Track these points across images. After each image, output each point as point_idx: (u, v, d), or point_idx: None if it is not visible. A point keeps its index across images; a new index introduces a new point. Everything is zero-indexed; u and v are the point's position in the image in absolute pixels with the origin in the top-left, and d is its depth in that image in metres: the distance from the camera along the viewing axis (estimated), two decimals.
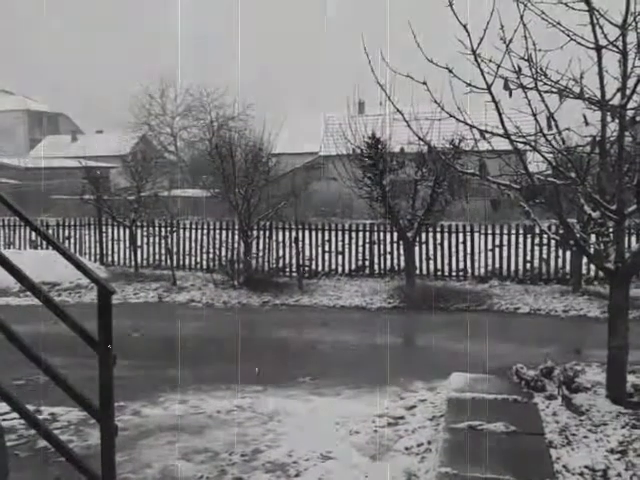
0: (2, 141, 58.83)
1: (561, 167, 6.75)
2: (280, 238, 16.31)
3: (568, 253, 14.22)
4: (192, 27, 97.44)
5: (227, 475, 5.36)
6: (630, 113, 6.44)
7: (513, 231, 15.21)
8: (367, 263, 16.07)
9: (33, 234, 17.74)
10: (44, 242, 15.25)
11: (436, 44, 7.18)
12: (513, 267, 15.09)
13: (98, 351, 3.89)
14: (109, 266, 17.58)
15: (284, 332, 11.09)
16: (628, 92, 6.31)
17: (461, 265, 15.45)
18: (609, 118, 6.54)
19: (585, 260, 13.53)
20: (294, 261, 15.56)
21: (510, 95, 6.37)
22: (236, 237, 16.20)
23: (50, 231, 18.20)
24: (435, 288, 13.97)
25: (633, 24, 6.10)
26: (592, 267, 13.97)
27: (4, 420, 5.89)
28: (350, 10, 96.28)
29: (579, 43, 6.34)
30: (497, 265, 15.20)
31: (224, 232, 16.82)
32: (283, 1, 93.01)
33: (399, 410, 6.89)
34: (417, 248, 14.90)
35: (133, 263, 16.98)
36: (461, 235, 15.48)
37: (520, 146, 6.78)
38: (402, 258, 15.11)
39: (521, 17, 6.15)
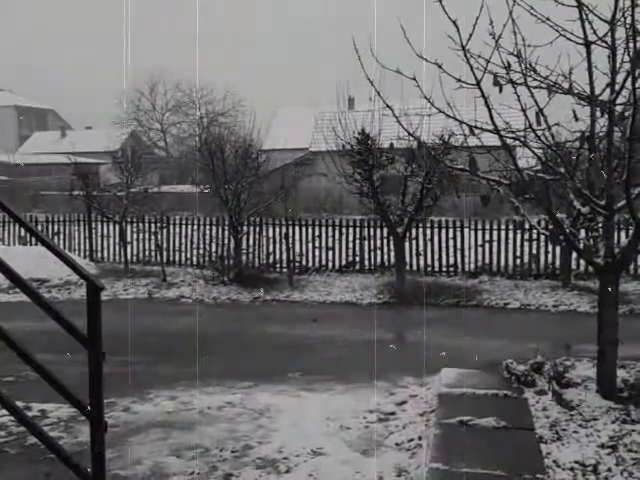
0: None
1: (550, 162, 6.77)
2: (270, 234, 16.31)
3: (558, 248, 14.28)
4: (184, 24, 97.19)
5: (218, 471, 5.35)
6: (619, 108, 6.45)
7: (503, 226, 15.25)
8: (357, 259, 16.08)
9: (22, 230, 17.66)
10: (33, 238, 15.20)
11: (426, 39, 7.18)
12: (503, 262, 15.12)
13: (87, 347, 3.87)
14: (99, 262, 17.54)
15: (274, 328, 11.08)
16: (617, 87, 6.32)
17: (451, 261, 15.48)
18: (598, 113, 6.56)
19: (575, 255, 13.58)
20: (284, 257, 15.55)
21: (500, 91, 6.37)
22: (226, 233, 16.20)
23: (39, 227, 18.12)
24: (425, 284, 13.97)
25: (622, 20, 6.10)
26: (582, 262, 14.03)
27: None
28: (341, 6, 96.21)
29: (568, 39, 6.35)
30: (487, 260, 15.24)
31: (214, 228, 16.80)
32: None
33: (390, 406, 6.90)
34: (407, 244, 14.91)
35: (123, 259, 16.92)
36: (451, 231, 15.52)
37: (510, 141, 6.79)
38: (392, 254, 15.11)
39: (510, 12, 6.15)
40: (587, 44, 6.39)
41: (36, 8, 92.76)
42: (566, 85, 6.42)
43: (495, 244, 15.21)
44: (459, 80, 6.34)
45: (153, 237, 16.92)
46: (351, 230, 16.19)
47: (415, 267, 15.44)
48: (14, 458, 5.61)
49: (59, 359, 6.57)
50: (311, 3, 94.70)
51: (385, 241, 15.72)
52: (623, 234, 12.77)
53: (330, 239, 16.21)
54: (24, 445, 5.80)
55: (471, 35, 6.12)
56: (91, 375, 3.88)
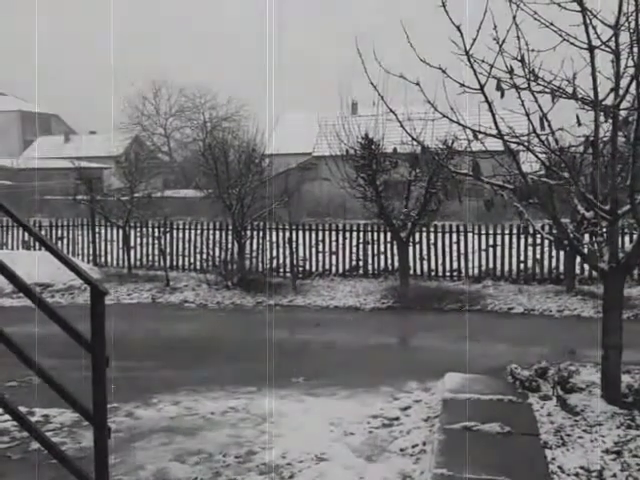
0: None
1: (554, 167, 6.76)
2: (274, 238, 16.30)
3: (562, 253, 14.25)
4: (185, 27, 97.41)
5: (221, 477, 5.34)
6: (623, 113, 6.45)
7: (507, 231, 15.22)
8: (361, 263, 16.06)
9: (26, 235, 17.67)
10: (37, 243, 15.21)
11: (430, 44, 7.18)
12: (507, 267, 15.09)
13: (91, 352, 3.87)
14: (102, 267, 17.53)
15: (278, 332, 11.05)
16: (621, 92, 6.31)
17: (455, 265, 15.46)
18: (602, 118, 6.54)
19: (579, 260, 13.55)
20: (288, 261, 15.55)
21: (502, 96, 6.37)
22: (230, 237, 16.19)
23: (43, 232, 18.13)
24: (429, 288, 13.98)
25: (626, 24, 6.10)
26: (586, 267, 13.99)
27: None
28: (344, 10, 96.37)
29: (572, 43, 6.34)
30: (491, 265, 15.20)
31: (217, 232, 16.80)
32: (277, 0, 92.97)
33: (394, 411, 6.88)
34: (411, 248, 14.91)
35: (126, 264, 16.94)
36: (455, 235, 15.49)
37: (513, 146, 6.78)
38: (396, 258, 15.11)
39: (514, 17, 6.15)
40: (591, 49, 6.38)
41: (38, 12, 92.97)
42: (570, 90, 6.41)
43: (499, 249, 15.18)
44: (462, 85, 6.34)
45: (156, 242, 16.91)
46: (355, 235, 16.18)
47: (419, 272, 15.43)
48: (17, 463, 5.61)
49: (62, 364, 6.56)
50: (311, 5, 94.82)
51: (389, 246, 15.71)
52: (627, 239, 12.75)
53: (334, 244, 16.20)
54: (27, 450, 5.79)
55: (475, 40, 6.13)
56: (94, 380, 3.88)
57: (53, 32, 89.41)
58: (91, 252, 18.10)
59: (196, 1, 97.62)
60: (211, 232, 16.92)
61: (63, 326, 3.88)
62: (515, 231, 15.12)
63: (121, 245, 17.51)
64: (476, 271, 15.22)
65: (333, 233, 16.32)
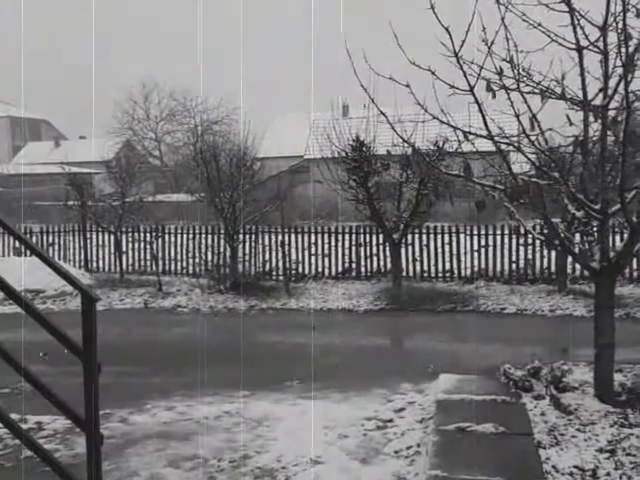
0: None
1: (544, 167, 6.78)
2: (266, 242, 16.28)
3: (553, 253, 14.29)
4: (176, 29, 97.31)
5: None
6: (612, 113, 6.47)
7: (498, 232, 15.26)
8: (354, 265, 16.07)
9: (16, 241, 17.59)
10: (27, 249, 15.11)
11: (419, 46, 7.19)
12: (499, 267, 15.12)
13: (82, 359, 3.86)
14: (94, 272, 17.47)
15: (271, 336, 11.05)
16: (610, 92, 6.34)
17: (447, 266, 15.49)
18: (591, 118, 6.57)
19: (570, 259, 13.59)
20: (280, 264, 15.53)
21: (493, 96, 6.38)
22: (222, 241, 16.17)
23: (33, 238, 18.06)
24: (422, 289, 13.98)
25: (614, 25, 6.12)
26: (577, 266, 14.03)
27: None
28: (334, 12, 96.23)
29: (560, 44, 6.37)
30: (483, 266, 15.24)
31: (210, 236, 16.77)
32: (267, 2, 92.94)
33: (388, 413, 6.88)
34: (403, 250, 14.91)
35: (118, 269, 16.89)
36: (447, 236, 15.53)
37: (504, 147, 6.80)
38: (388, 260, 15.12)
39: (502, 19, 6.17)
40: (579, 49, 6.42)
41: (31, 15, 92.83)
42: (559, 90, 6.44)
43: (491, 249, 15.22)
44: (452, 86, 6.35)
45: (148, 246, 16.87)
46: (347, 237, 16.19)
47: (411, 273, 15.44)
48: (11, 471, 5.58)
49: (55, 371, 6.54)
50: (305, 8, 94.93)
51: (381, 247, 15.72)
52: (618, 238, 12.78)
53: (326, 246, 16.21)
54: (20, 458, 5.76)
55: (464, 42, 6.13)
56: (86, 386, 3.86)
57: (42, 33, 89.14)
58: (82, 258, 18.03)
59: (190, 2, 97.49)
60: (203, 236, 16.89)
61: (54, 333, 3.87)
62: (506, 231, 15.17)
63: (113, 250, 17.46)
64: (468, 272, 15.26)
65: (325, 235, 16.33)
